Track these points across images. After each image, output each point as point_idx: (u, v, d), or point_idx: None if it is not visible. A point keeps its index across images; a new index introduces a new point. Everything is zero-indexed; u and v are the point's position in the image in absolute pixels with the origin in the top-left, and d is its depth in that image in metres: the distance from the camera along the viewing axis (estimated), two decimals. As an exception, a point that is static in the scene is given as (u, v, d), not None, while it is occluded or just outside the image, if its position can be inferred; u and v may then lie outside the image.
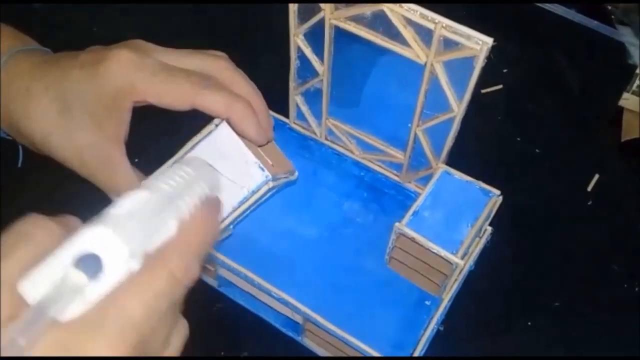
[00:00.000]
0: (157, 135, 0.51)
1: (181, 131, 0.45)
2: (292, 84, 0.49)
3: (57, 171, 0.45)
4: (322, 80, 0.47)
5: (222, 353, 0.47)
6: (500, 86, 0.66)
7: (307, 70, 0.47)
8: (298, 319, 0.45)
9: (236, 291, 0.49)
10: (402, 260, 0.44)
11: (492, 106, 0.64)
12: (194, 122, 0.44)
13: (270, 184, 0.41)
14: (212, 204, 0.30)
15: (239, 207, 0.41)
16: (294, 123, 0.53)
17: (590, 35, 0.72)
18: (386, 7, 0.38)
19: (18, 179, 0.52)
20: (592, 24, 0.72)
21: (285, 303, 0.44)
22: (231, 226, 0.43)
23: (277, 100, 0.53)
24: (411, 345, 0.43)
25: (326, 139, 0.52)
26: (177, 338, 0.30)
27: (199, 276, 0.28)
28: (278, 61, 0.50)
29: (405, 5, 0.37)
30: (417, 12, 0.37)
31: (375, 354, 0.42)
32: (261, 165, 0.41)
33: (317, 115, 0.51)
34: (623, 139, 0.62)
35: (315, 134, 0.52)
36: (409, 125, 0.45)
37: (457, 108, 0.41)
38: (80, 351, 0.23)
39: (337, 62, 0.45)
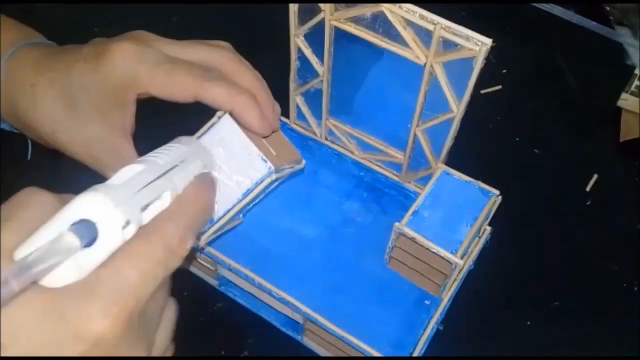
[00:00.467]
0: (165, 128, 0.51)
1: (189, 123, 0.45)
2: (292, 85, 0.50)
3: (63, 168, 0.45)
4: (322, 80, 0.47)
5: (222, 353, 0.47)
6: (500, 87, 0.66)
7: (307, 70, 0.47)
8: (298, 318, 0.45)
9: (236, 291, 0.49)
10: (402, 260, 0.45)
11: (492, 106, 0.64)
12: (202, 114, 0.44)
13: (274, 176, 0.41)
14: (206, 180, 0.30)
15: (243, 198, 0.41)
16: (294, 123, 0.53)
17: (589, 36, 0.72)
18: (386, 8, 0.38)
19: (25, 171, 0.52)
20: (591, 24, 0.73)
21: (286, 302, 0.44)
22: (241, 215, 0.44)
23: (277, 100, 0.53)
24: (411, 345, 0.43)
25: (326, 139, 0.52)
26: (167, 317, 0.30)
27: (190, 251, 0.28)
28: (278, 62, 0.50)
29: (405, 6, 0.38)
30: (416, 13, 0.38)
31: (375, 353, 0.42)
32: (264, 157, 0.41)
33: (317, 115, 0.51)
34: (622, 139, 0.62)
35: (315, 134, 0.53)
36: (409, 125, 0.45)
37: (457, 108, 0.41)
38: (74, 315, 0.23)
39: (337, 63, 0.45)
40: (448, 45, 0.38)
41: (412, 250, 0.43)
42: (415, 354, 0.42)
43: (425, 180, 0.47)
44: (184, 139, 0.31)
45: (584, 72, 0.68)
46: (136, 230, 0.26)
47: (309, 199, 0.49)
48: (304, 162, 0.46)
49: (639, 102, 0.63)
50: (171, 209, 0.28)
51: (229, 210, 0.41)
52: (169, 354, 0.31)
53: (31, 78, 0.42)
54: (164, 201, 0.28)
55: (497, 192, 0.45)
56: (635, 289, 0.53)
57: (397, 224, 0.42)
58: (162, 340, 0.29)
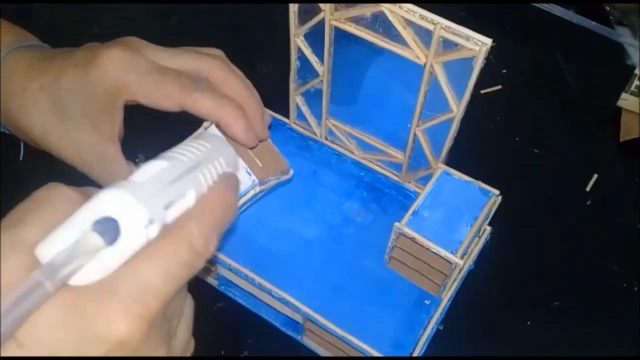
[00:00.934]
0: (160, 132, 0.51)
1: (184, 127, 0.45)
2: (292, 85, 0.50)
3: (58, 167, 0.45)
4: (322, 80, 0.47)
5: (222, 353, 0.47)
6: (500, 86, 0.66)
7: (307, 70, 0.47)
8: (298, 318, 0.45)
9: (236, 291, 0.49)
10: (402, 260, 0.45)
11: (492, 106, 0.64)
12: (191, 121, 0.44)
13: (257, 188, 0.41)
14: (229, 179, 0.30)
15: None
16: (294, 123, 0.53)
17: (589, 36, 0.72)
18: (386, 8, 0.38)
19: (19, 171, 0.52)
20: (591, 24, 0.73)
21: (286, 302, 0.44)
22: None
23: (277, 100, 0.53)
24: (411, 345, 0.43)
25: (326, 139, 0.52)
26: (187, 313, 0.29)
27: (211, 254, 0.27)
28: (278, 62, 0.50)
29: (405, 6, 0.38)
30: (416, 13, 0.38)
31: (375, 353, 0.42)
32: (248, 170, 0.41)
33: (317, 115, 0.51)
34: (622, 139, 0.62)
35: (315, 134, 0.53)
36: (409, 125, 0.45)
37: (457, 108, 0.41)
38: (95, 315, 0.23)
39: (337, 63, 0.45)
40: (448, 45, 0.38)
41: (412, 250, 0.43)
42: (415, 354, 0.42)
43: (425, 180, 0.47)
44: (207, 135, 0.31)
45: (584, 72, 0.68)
46: (160, 229, 0.25)
47: (309, 199, 0.49)
48: (291, 172, 0.46)
49: (639, 102, 0.63)
50: (196, 209, 0.27)
51: None
52: (190, 349, 0.31)
53: (23, 82, 0.43)
54: (189, 200, 0.27)
55: (497, 192, 0.45)
56: (635, 289, 0.53)
57: (397, 223, 0.42)
58: (183, 336, 0.29)
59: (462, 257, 0.41)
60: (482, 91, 0.65)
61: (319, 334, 0.46)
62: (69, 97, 0.41)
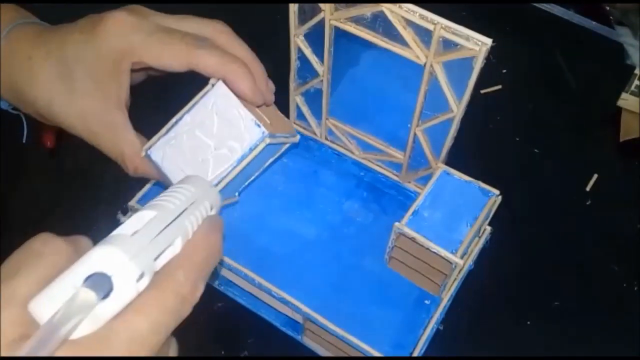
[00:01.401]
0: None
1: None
2: (292, 84, 0.50)
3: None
4: (322, 80, 0.47)
5: (222, 353, 0.47)
6: (500, 86, 0.66)
7: (307, 70, 0.47)
8: (298, 318, 0.45)
9: (236, 290, 0.49)
10: (402, 260, 0.45)
11: (492, 106, 0.64)
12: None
13: (268, 140, 0.40)
14: (214, 222, 0.30)
15: (238, 165, 0.40)
16: (294, 123, 0.53)
17: (589, 36, 0.72)
18: (386, 8, 0.38)
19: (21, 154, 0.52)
20: (591, 24, 0.73)
21: (286, 302, 0.44)
22: (237, 193, 0.43)
23: (277, 100, 0.53)
24: (411, 345, 0.43)
25: (326, 139, 0.52)
26: (173, 353, 0.29)
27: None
28: (278, 62, 0.50)
29: (405, 6, 0.38)
30: (416, 13, 0.38)
31: (375, 353, 0.42)
32: (257, 122, 0.41)
33: (317, 115, 0.51)
34: (622, 139, 0.62)
35: (315, 134, 0.53)
36: (409, 125, 0.45)
37: (457, 108, 0.41)
38: None
39: (337, 63, 0.45)
40: (448, 45, 0.38)
41: (412, 250, 0.43)
42: (415, 354, 0.42)
43: (425, 180, 0.47)
44: (192, 178, 0.31)
45: (584, 72, 0.68)
46: (149, 280, 0.26)
47: (309, 199, 0.49)
48: (298, 136, 0.46)
49: (639, 102, 0.63)
50: (182, 255, 0.28)
51: (223, 178, 0.40)
52: None
53: (28, 51, 0.42)
54: (176, 247, 0.27)
55: (497, 192, 0.45)
56: (635, 288, 0.53)
57: (397, 223, 0.42)
58: None
59: (462, 257, 0.41)
60: (482, 91, 0.65)
61: (319, 334, 0.46)
62: (75, 62, 0.41)
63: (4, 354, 0.22)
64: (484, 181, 0.45)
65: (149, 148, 0.41)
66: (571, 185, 0.59)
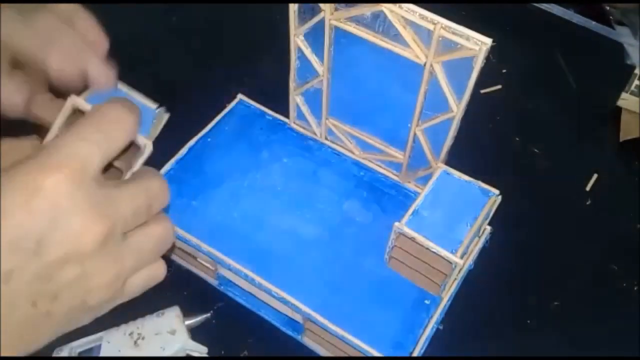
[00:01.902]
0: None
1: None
2: (292, 84, 0.50)
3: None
4: (322, 80, 0.47)
5: (222, 353, 0.47)
6: (499, 86, 0.66)
7: (307, 70, 0.47)
8: (298, 318, 0.45)
9: (236, 290, 0.49)
10: (402, 260, 0.45)
11: (491, 106, 0.64)
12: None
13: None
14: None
15: None
16: (294, 123, 0.53)
17: (589, 36, 0.72)
18: (386, 8, 0.38)
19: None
20: (591, 24, 0.73)
21: (285, 302, 0.44)
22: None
23: (277, 100, 0.53)
24: (411, 345, 0.43)
25: (326, 138, 0.52)
26: (159, 233, 0.32)
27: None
28: (278, 62, 0.50)
29: (405, 6, 0.38)
30: (416, 13, 0.38)
31: (374, 353, 0.42)
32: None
33: (317, 115, 0.51)
34: (622, 139, 0.62)
35: (315, 134, 0.53)
36: (409, 125, 0.45)
37: (457, 108, 0.41)
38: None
39: (337, 62, 0.45)
40: (448, 45, 0.38)
41: (412, 250, 0.43)
42: (415, 354, 0.42)
43: (425, 180, 0.47)
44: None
45: (584, 72, 0.68)
46: None
47: (308, 199, 0.49)
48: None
49: (639, 102, 0.63)
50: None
51: None
52: (153, 274, 0.33)
53: None
54: None
55: (497, 192, 0.45)
56: (635, 288, 0.53)
57: (397, 223, 0.42)
58: (141, 245, 0.31)
59: (462, 257, 0.41)
60: (482, 91, 0.65)
61: (319, 333, 0.46)
62: None
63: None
64: (484, 181, 0.45)
65: None
66: (571, 185, 0.59)
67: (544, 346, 0.50)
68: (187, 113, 0.43)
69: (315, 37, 0.44)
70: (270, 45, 0.52)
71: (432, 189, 0.44)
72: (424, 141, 0.46)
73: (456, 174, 0.45)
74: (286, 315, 0.46)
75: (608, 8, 0.73)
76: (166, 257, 0.50)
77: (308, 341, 0.48)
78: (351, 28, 0.41)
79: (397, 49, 0.40)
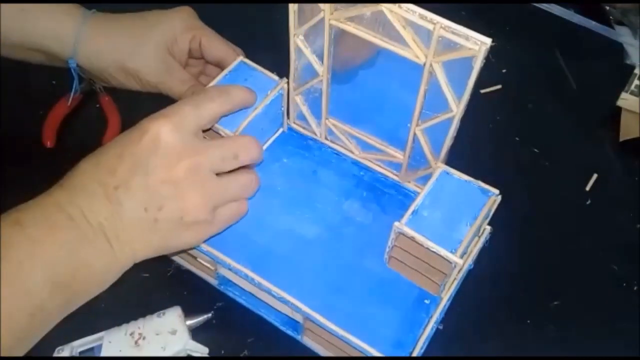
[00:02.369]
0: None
1: None
2: (292, 84, 0.50)
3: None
4: (321, 80, 0.47)
5: (222, 353, 0.47)
6: (499, 86, 0.66)
7: (307, 70, 0.47)
8: (298, 317, 0.45)
9: (236, 290, 0.49)
10: (402, 260, 0.45)
11: (491, 106, 0.64)
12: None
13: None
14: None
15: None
16: (294, 123, 0.53)
17: (589, 36, 0.72)
18: (385, 8, 0.38)
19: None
20: (591, 24, 0.73)
21: (285, 302, 0.44)
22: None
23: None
24: (411, 344, 0.43)
25: (326, 138, 0.52)
26: (237, 209, 0.45)
27: None
28: (278, 62, 0.50)
29: (404, 6, 0.38)
30: (416, 13, 0.38)
31: (374, 352, 0.42)
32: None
33: (317, 115, 0.51)
34: (621, 139, 0.62)
35: (315, 133, 0.53)
36: (409, 125, 0.45)
37: (456, 108, 0.41)
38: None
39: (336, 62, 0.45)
40: (448, 44, 0.38)
41: (411, 250, 0.43)
42: (415, 354, 0.42)
43: (425, 179, 0.47)
44: None
45: (584, 72, 0.68)
46: None
47: (308, 199, 0.49)
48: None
49: (639, 101, 0.63)
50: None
51: None
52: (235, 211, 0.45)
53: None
54: None
55: (496, 191, 0.45)
56: (635, 288, 0.53)
57: (396, 223, 0.42)
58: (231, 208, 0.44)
59: (461, 257, 0.41)
60: (482, 91, 0.65)
61: (318, 333, 0.46)
62: None
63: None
64: (484, 181, 0.45)
65: None
66: (571, 185, 0.59)
67: (544, 346, 0.50)
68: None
69: (315, 37, 0.44)
70: (270, 45, 0.52)
71: (432, 189, 0.44)
72: (423, 141, 0.46)
73: (456, 173, 0.45)
74: (286, 315, 0.46)
75: (608, 8, 0.73)
76: (166, 257, 0.51)
77: (308, 341, 0.48)
78: (351, 28, 0.41)
79: (396, 48, 0.40)
